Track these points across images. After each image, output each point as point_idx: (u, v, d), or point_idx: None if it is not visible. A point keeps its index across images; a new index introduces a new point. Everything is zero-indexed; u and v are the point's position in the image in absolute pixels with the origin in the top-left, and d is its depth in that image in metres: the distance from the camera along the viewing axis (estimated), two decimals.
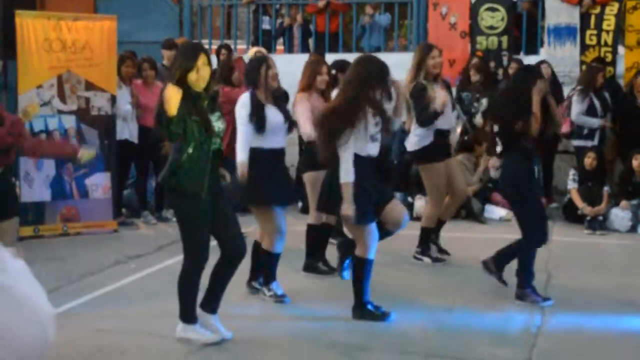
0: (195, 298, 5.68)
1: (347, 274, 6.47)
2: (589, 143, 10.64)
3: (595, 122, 10.59)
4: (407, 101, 8.08)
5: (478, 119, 10.85)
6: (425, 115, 7.76)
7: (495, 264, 7.01)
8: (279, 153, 6.64)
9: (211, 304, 5.75)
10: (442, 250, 8.29)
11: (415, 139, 8.02)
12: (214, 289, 5.73)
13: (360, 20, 13.66)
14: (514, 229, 8.18)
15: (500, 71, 11.61)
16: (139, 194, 10.54)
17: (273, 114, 6.52)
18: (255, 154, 6.50)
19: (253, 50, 9.88)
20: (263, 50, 9.91)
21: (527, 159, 6.81)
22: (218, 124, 5.51)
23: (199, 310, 5.74)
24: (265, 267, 6.81)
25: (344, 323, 6.02)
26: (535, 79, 6.78)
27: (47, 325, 1.98)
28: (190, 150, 5.38)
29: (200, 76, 5.41)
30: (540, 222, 6.83)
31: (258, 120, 6.43)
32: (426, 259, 8.14)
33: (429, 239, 8.23)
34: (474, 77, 10.87)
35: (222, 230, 5.61)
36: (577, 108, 10.59)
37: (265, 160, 6.52)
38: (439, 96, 7.78)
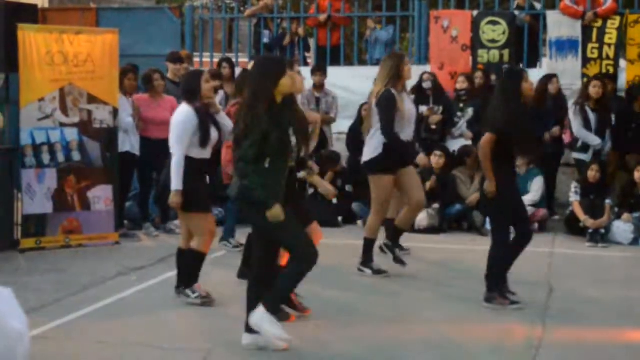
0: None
1: None
2: (583, 156, 10.72)
3: (593, 140, 10.65)
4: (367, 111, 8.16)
5: (462, 127, 11.02)
6: (393, 137, 7.83)
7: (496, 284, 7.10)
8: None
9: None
10: (400, 261, 8.23)
11: (367, 150, 8.08)
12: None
13: (365, 36, 13.73)
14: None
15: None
16: (142, 206, 10.56)
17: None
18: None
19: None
20: None
21: (512, 173, 6.97)
22: (292, 139, 5.64)
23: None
24: (193, 268, 7.00)
25: (344, 335, 6.01)
26: (520, 82, 6.84)
27: (15, 343, 1.99)
28: (267, 164, 5.48)
29: (291, 86, 5.66)
30: (508, 226, 6.97)
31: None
32: (367, 271, 8.08)
33: (372, 250, 8.19)
34: (461, 84, 10.92)
35: None
36: (575, 122, 10.66)
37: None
38: (407, 108, 7.88)
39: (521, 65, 12.33)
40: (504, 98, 6.83)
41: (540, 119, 10.96)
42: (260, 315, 5.57)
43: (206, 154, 6.88)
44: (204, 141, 6.74)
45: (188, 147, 6.71)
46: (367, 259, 8.14)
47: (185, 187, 6.66)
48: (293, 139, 5.62)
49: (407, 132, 7.96)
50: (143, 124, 10.14)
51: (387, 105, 7.81)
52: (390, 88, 7.84)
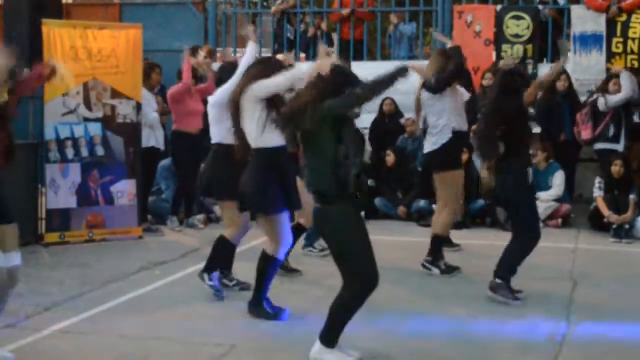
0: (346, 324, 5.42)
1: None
2: (614, 146, 10.67)
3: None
4: (418, 100, 8.15)
5: None
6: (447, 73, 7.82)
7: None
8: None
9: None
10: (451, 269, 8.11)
11: (428, 144, 8.13)
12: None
13: (388, 31, 13.72)
14: (546, 237, 8.20)
15: None
16: (177, 200, 10.63)
17: None
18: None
19: (279, 58, 9.93)
20: (290, 57, 9.99)
21: (527, 164, 7.01)
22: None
23: None
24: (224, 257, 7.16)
25: (368, 330, 6.01)
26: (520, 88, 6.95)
27: None
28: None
29: None
30: (534, 222, 7.03)
31: None
32: (435, 270, 8.04)
33: (441, 248, 8.16)
34: (488, 81, 10.88)
35: None
36: (626, 87, 10.68)
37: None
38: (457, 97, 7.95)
39: (545, 61, 12.32)
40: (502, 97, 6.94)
41: (551, 116, 10.97)
42: (319, 349, 5.39)
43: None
44: None
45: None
46: (436, 257, 8.07)
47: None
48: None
49: (459, 122, 7.99)
50: (176, 117, 10.20)
51: (436, 81, 7.85)
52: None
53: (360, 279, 5.24)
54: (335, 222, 5.24)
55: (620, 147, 10.65)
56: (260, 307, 6.41)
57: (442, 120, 7.98)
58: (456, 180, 8.09)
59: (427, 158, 8.30)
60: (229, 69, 7.07)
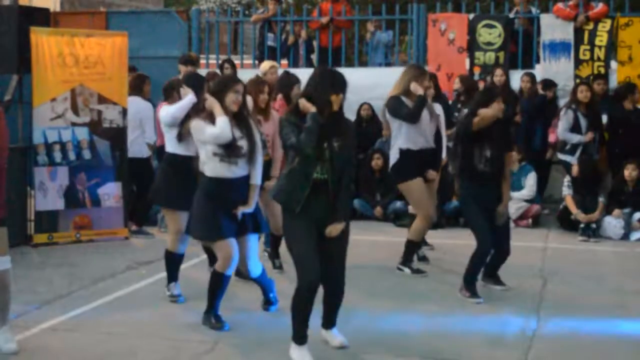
0: (303, 318, 5.51)
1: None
2: (568, 158, 10.93)
3: (575, 138, 10.82)
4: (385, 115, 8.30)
5: None
6: (411, 108, 7.84)
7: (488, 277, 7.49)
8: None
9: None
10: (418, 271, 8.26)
11: (391, 158, 8.22)
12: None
13: (364, 38, 13.96)
14: (517, 236, 8.42)
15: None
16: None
17: None
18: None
19: (267, 65, 10.21)
20: (276, 64, 10.30)
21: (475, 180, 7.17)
22: (328, 152, 5.44)
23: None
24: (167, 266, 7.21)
25: (344, 327, 6.02)
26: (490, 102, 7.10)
27: None
28: (295, 163, 5.45)
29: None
30: (482, 236, 7.18)
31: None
32: (406, 270, 8.18)
33: (413, 252, 8.29)
34: (457, 85, 11.12)
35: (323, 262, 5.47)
36: (562, 124, 10.90)
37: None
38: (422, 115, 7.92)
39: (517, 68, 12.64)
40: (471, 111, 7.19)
41: (532, 119, 11.34)
42: (292, 345, 5.58)
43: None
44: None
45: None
46: (407, 259, 8.21)
47: None
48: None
49: (425, 139, 8.03)
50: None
51: (395, 105, 7.95)
52: (401, 96, 7.98)
53: (299, 276, 5.43)
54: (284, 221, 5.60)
55: (573, 159, 10.83)
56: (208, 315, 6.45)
57: (396, 140, 8.12)
58: (415, 188, 8.07)
59: (390, 170, 8.44)
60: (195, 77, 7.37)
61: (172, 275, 7.19)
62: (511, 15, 12.89)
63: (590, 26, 12.23)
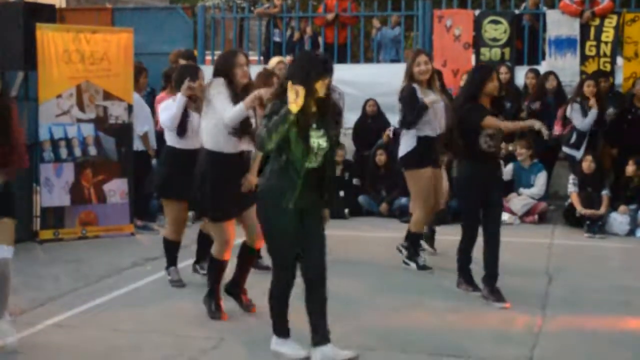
0: (283, 312, 5.43)
1: None
2: (574, 152, 10.95)
3: (590, 118, 10.79)
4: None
5: None
6: (414, 113, 7.83)
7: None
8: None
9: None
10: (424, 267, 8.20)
11: (402, 146, 8.14)
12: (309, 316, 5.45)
13: (371, 35, 13.97)
14: (515, 232, 8.43)
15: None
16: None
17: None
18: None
19: (275, 60, 10.21)
20: (284, 60, 10.30)
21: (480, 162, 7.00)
22: (319, 141, 5.24)
23: None
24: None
25: (350, 323, 6.08)
26: (485, 80, 6.95)
27: None
28: (283, 160, 5.20)
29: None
30: (468, 226, 7.14)
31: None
32: (412, 265, 8.16)
33: (418, 245, 8.26)
34: (464, 81, 11.11)
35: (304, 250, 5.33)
36: (576, 117, 10.89)
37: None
38: (430, 98, 7.89)
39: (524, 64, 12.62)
40: (464, 94, 7.11)
41: (542, 115, 11.27)
42: (273, 340, 5.51)
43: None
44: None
45: None
46: (412, 253, 8.18)
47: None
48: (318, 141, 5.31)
49: (433, 126, 7.96)
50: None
51: (408, 98, 7.92)
52: (413, 83, 7.97)
53: (276, 274, 5.38)
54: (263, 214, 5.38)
55: (579, 154, 10.84)
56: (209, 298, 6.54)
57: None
58: (424, 177, 8.02)
59: (399, 160, 8.38)
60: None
61: (171, 259, 7.47)
62: (517, 11, 12.87)
63: (597, 22, 12.22)
